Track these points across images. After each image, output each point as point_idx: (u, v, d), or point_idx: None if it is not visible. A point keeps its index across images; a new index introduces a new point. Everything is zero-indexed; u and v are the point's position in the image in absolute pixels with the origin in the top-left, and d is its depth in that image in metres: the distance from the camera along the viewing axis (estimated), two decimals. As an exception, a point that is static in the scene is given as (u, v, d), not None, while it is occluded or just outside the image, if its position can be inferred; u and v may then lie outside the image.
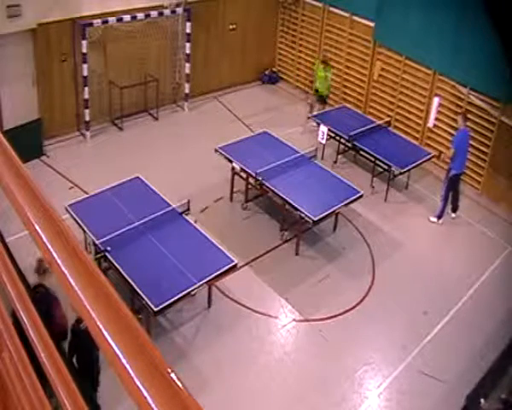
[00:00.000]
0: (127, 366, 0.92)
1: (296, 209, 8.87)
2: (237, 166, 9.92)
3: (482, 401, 6.30)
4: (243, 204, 10.30)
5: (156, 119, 13.06)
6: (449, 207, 10.42)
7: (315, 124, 12.63)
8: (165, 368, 0.91)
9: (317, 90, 12.91)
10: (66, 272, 1.10)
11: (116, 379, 0.95)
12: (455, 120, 11.49)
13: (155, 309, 6.67)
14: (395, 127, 12.63)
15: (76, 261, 1.12)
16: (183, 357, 7.21)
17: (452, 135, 11.59)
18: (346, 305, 8.38)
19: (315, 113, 12.64)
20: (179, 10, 12.54)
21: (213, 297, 8.06)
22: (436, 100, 11.22)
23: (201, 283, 7.21)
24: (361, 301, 8.50)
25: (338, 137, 11.66)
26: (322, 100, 13.01)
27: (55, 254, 1.15)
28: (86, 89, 11.49)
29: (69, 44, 11.27)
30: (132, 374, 0.91)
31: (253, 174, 9.48)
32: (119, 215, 8.20)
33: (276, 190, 9.27)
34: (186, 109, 13.62)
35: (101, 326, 0.99)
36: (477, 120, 11.06)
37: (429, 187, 11.36)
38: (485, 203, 11.05)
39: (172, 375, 0.91)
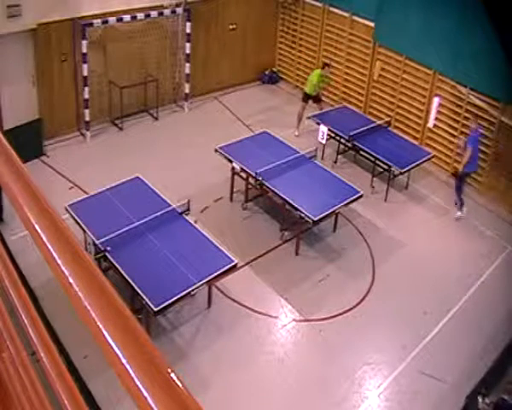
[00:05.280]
0: (127, 366, 0.92)
1: (296, 209, 8.87)
2: (237, 166, 9.92)
3: (480, 399, 6.31)
4: (243, 204, 10.30)
5: (156, 119, 13.06)
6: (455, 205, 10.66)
7: (298, 132, 12.60)
8: (166, 368, 0.91)
9: (305, 93, 12.57)
10: (65, 272, 1.10)
11: (116, 379, 0.95)
12: (455, 121, 11.52)
13: (155, 309, 6.67)
14: (395, 127, 12.62)
15: (76, 261, 1.12)
16: (183, 357, 7.21)
17: (453, 135, 11.61)
18: (346, 305, 8.38)
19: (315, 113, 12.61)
20: (179, 10, 12.54)
21: (213, 297, 8.06)
22: (436, 100, 11.22)
23: (201, 283, 7.21)
24: (361, 301, 8.50)
25: (338, 137, 11.66)
26: (316, 98, 12.75)
27: (54, 255, 1.15)
28: (86, 89, 11.49)
29: (69, 44, 11.27)
30: (132, 374, 0.91)
31: (253, 174, 9.48)
32: (119, 215, 8.19)
33: (276, 190, 9.27)
34: (186, 109, 13.62)
35: (101, 326, 0.99)
36: (477, 120, 11.06)
37: (429, 187, 11.36)
38: (485, 203, 11.05)
39: (172, 375, 0.91)
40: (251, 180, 9.91)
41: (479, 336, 8.01)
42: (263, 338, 7.75)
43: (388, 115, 12.87)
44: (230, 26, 14.30)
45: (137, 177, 9.22)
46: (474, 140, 10.17)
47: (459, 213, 10.55)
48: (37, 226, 1.22)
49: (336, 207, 9.15)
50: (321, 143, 11.39)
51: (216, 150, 10.25)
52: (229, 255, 7.73)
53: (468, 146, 10.10)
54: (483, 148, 11.05)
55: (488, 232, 10.30)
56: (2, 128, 10.14)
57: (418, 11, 11.63)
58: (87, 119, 11.77)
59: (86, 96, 11.56)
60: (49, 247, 1.17)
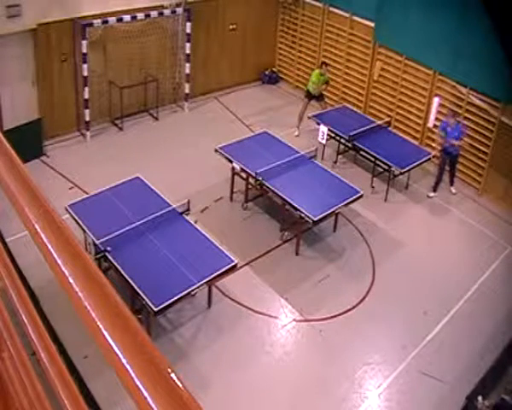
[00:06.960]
0: (127, 366, 0.92)
1: (296, 209, 8.87)
2: (237, 166, 9.92)
3: (480, 398, 6.30)
4: (243, 204, 10.30)
5: (156, 119, 13.06)
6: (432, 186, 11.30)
7: (298, 132, 12.58)
8: (166, 368, 0.91)
9: (308, 92, 12.68)
10: (66, 272, 1.10)
11: (116, 379, 0.95)
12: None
13: (155, 309, 6.67)
14: (395, 127, 12.62)
15: (76, 261, 1.12)
16: (183, 357, 7.21)
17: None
18: (346, 305, 8.38)
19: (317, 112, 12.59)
20: (179, 10, 12.54)
21: (213, 297, 8.06)
22: (436, 100, 11.22)
23: (201, 283, 7.21)
24: (361, 301, 8.50)
25: (338, 137, 11.66)
26: (319, 97, 12.80)
27: (55, 255, 1.15)
28: (86, 89, 11.49)
29: (69, 44, 11.27)
30: (132, 374, 0.91)
31: (253, 174, 9.48)
32: (119, 215, 8.19)
33: (276, 190, 9.27)
34: (186, 109, 13.62)
35: (101, 326, 0.99)
36: (477, 120, 11.07)
37: (429, 187, 11.35)
38: (485, 203, 11.05)
39: (172, 375, 0.91)
40: (251, 180, 9.91)
41: (479, 335, 8.01)
42: (263, 338, 7.75)
43: (388, 115, 12.87)
44: (230, 26, 14.30)
45: (137, 177, 9.22)
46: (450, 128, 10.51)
47: (433, 194, 11.21)
48: (37, 226, 1.22)
49: (336, 207, 9.15)
50: (321, 143, 11.39)
51: (216, 150, 10.25)
52: (230, 255, 7.73)
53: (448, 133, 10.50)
54: (483, 148, 11.06)
55: (488, 232, 10.30)
56: (2, 128, 10.14)
57: (418, 11, 11.63)
58: (87, 119, 11.78)
59: (86, 96, 11.56)
60: (49, 247, 1.17)
